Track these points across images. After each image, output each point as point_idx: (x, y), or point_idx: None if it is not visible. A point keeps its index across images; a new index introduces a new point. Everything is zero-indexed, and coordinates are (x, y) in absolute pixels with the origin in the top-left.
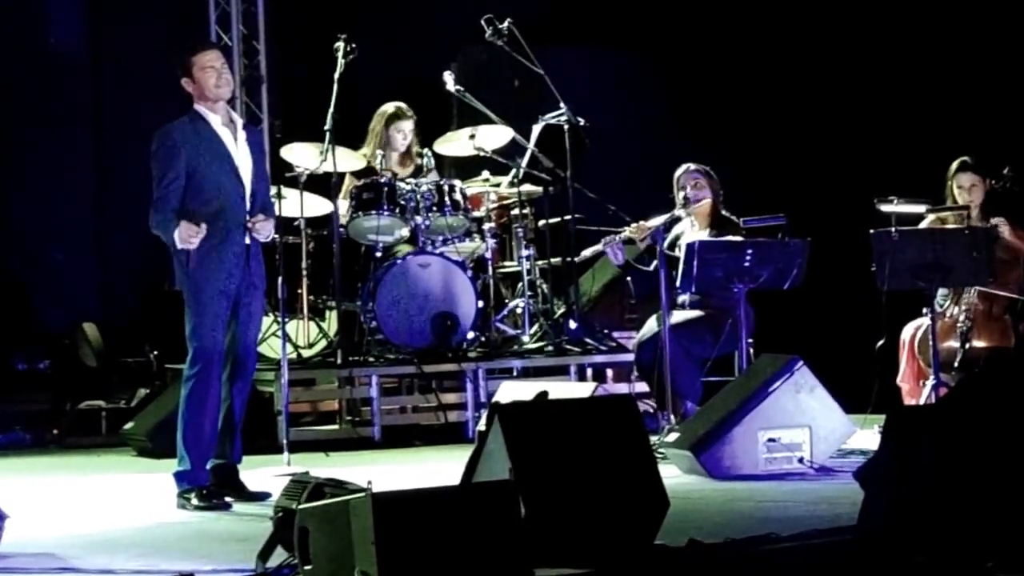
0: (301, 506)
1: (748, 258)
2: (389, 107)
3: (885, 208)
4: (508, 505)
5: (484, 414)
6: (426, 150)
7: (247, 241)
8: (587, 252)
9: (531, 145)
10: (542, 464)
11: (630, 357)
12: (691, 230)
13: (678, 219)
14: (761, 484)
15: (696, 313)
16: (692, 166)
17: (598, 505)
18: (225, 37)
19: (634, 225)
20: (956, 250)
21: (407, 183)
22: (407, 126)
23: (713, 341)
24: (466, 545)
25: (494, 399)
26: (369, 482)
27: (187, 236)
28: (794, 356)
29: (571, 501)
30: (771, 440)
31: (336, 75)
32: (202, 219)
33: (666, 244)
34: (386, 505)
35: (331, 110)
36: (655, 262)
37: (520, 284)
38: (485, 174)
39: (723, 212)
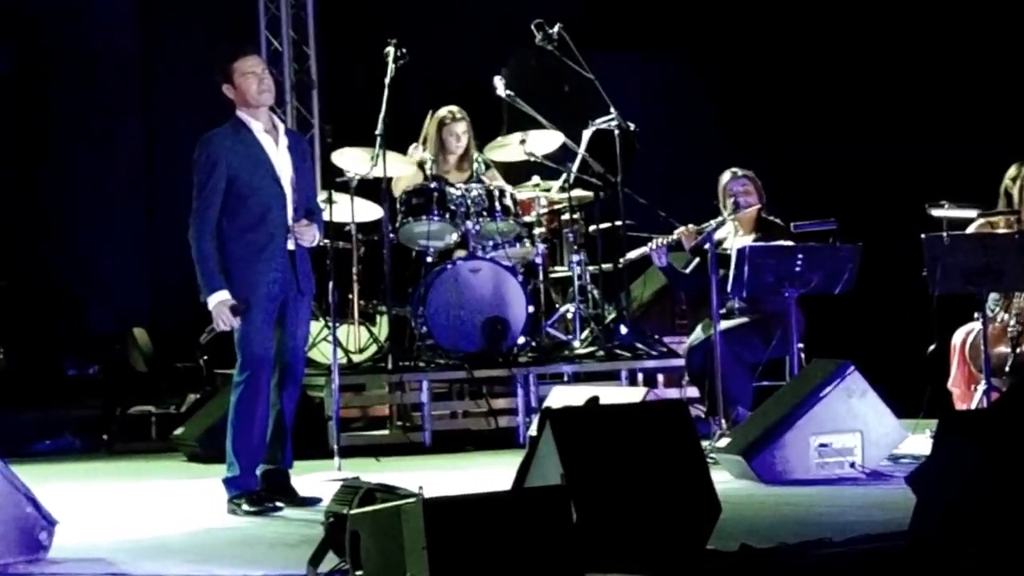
0: (352, 511)
1: (799, 263)
2: (442, 111)
3: (936, 212)
4: (560, 510)
5: (535, 419)
6: (479, 155)
7: (291, 246)
8: (632, 254)
9: (581, 150)
10: (594, 469)
11: (681, 362)
12: (734, 235)
13: (723, 224)
14: (813, 489)
15: (747, 318)
16: (739, 171)
17: (650, 510)
18: (275, 42)
19: (683, 228)
20: (1007, 255)
21: (457, 188)
22: (460, 129)
23: (764, 346)
24: (518, 550)
25: (545, 404)
26: (420, 487)
27: (224, 317)
28: (845, 361)
29: (623, 506)
30: (823, 445)
31: (387, 80)
32: (244, 226)
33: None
34: (438, 510)
35: (382, 115)
36: (692, 263)
37: (571, 289)
38: (535, 179)
39: (767, 216)
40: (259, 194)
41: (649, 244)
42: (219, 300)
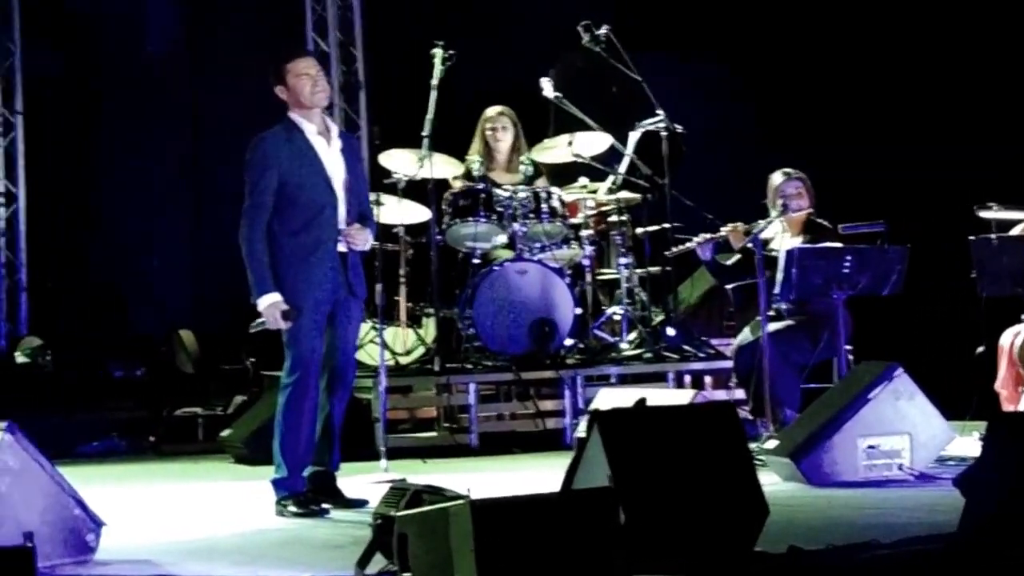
0: (400, 513)
1: (847, 265)
2: (490, 111)
3: (984, 214)
4: (608, 512)
5: (582, 421)
6: (526, 156)
7: (343, 249)
8: (679, 248)
9: (628, 152)
10: (642, 471)
11: (728, 364)
12: (782, 236)
13: (771, 224)
14: (861, 491)
15: (794, 320)
16: (792, 173)
17: (698, 512)
18: (322, 43)
19: (730, 226)
20: None
21: (505, 190)
22: (502, 124)
23: (811, 348)
24: (565, 552)
25: (592, 406)
26: (468, 489)
27: (275, 320)
28: (893, 363)
29: (671, 508)
30: (871, 447)
31: (434, 81)
32: (295, 228)
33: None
34: (485, 512)
35: (429, 116)
36: (735, 257)
37: (618, 291)
38: (583, 181)
39: (816, 219)
40: (311, 196)
41: (695, 239)
42: (270, 303)
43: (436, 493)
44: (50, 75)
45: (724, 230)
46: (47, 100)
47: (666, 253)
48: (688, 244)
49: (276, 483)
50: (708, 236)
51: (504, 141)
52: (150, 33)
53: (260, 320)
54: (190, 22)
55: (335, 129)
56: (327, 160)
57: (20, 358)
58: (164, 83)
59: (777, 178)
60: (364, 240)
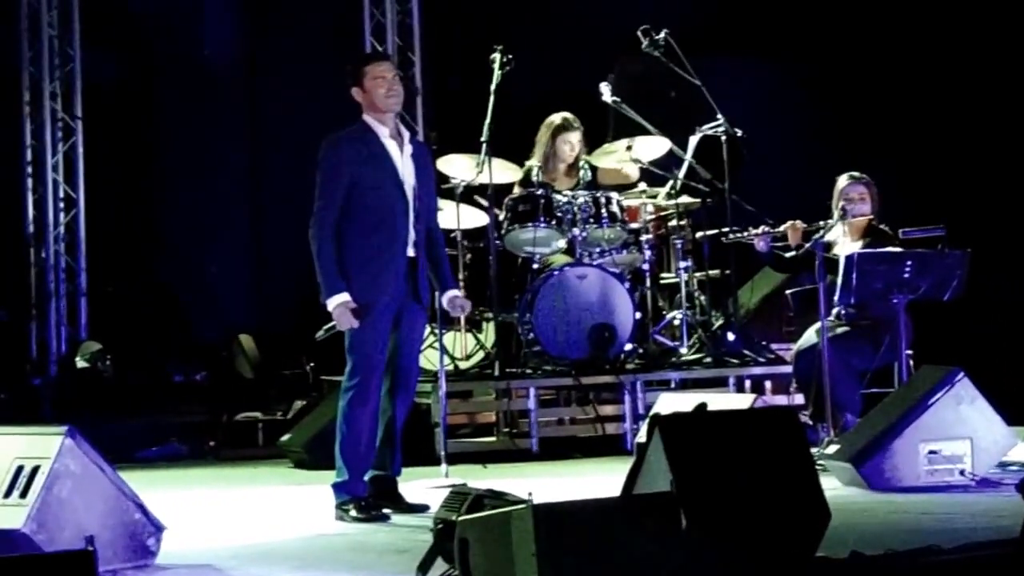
0: (461, 518)
1: (907, 269)
2: (556, 118)
3: None
4: (669, 517)
5: (642, 426)
6: (584, 161)
7: (411, 253)
8: (734, 237)
9: (688, 156)
10: (703, 476)
11: (788, 369)
12: (843, 240)
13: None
14: (922, 496)
15: (855, 324)
16: (858, 176)
17: (759, 517)
18: (380, 48)
19: (790, 223)
20: None
21: (564, 195)
22: (575, 137)
23: (872, 353)
24: (627, 557)
25: (652, 411)
26: (530, 493)
27: (345, 319)
28: (955, 367)
29: (732, 513)
30: (932, 452)
31: (492, 86)
32: (364, 230)
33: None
34: (547, 516)
35: (487, 121)
36: (792, 252)
37: (678, 296)
38: (642, 185)
39: (877, 224)
40: (381, 199)
41: (753, 230)
42: (340, 302)
43: (497, 498)
44: (110, 81)
45: (783, 227)
46: (107, 106)
47: (723, 239)
48: (746, 235)
49: (337, 488)
50: (766, 229)
51: (576, 151)
52: (209, 38)
53: (329, 325)
54: (248, 27)
55: (407, 134)
56: (399, 164)
57: (80, 363)
58: (223, 88)
59: (843, 181)
60: (465, 308)
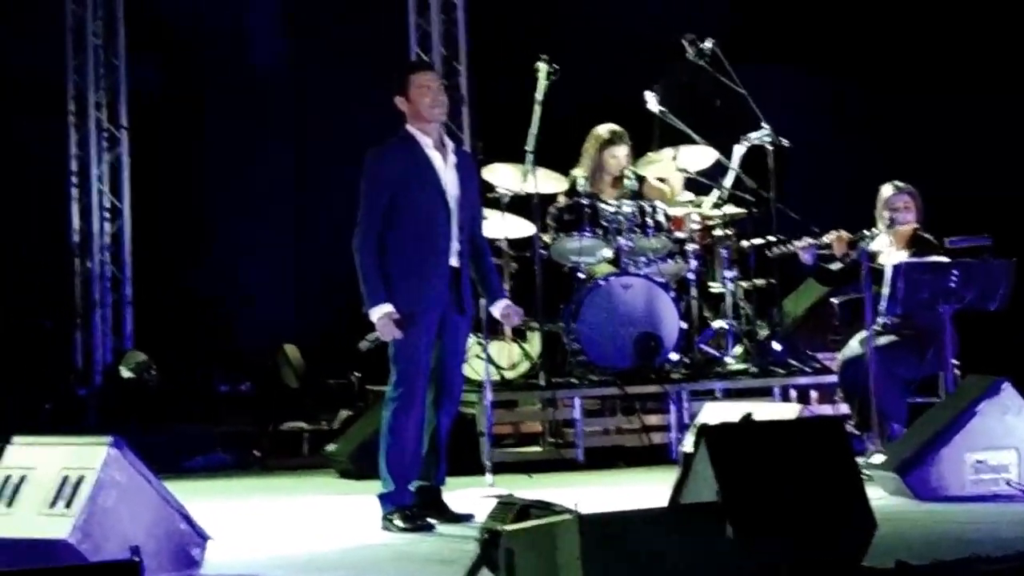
0: (507, 527)
1: (953, 279)
2: (604, 131)
3: None
4: (715, 527)
5: (687, 436)
6: (629, 171)
7: (454, 263)
8: (778, 250)
9: (734, 165)
10: (749, 486)
11: (834, 379)
12: (889, 249)
13: (876, 236)
14: (968, 506)
15: (901, 334)
16: (901, 185)
17: (806, 527)
18: (426, 58)
19: (834, 234)
20: None
21: (609, 204)
22: (622, 151)
23: (918, 362)
24: (674, 567)
25: (698, 421)
26: (576, 504)
27: (388, 330)
28: (1001, 377)
29: (778, 523)
30: (978, 462)
31: (538, 95)
32: (407, 241)
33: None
34: (593, 526)
35: (533, 131)
36: (838, 265)
37: (723, 305)
38: (688, 195)
39: (922, 233)
40: (424, 209)
41: (797, 242)
42: (383, 313)
43: (544, 508)
44: (155, 89)
45: (827, 237)
46: (152, 115)
47: (767, 252)
48: (790, 247)
49: (382, 497)
50: (810, 241)
51: (622, 164)
52: (253, 47)
53: (373, 336)
54: (293, 36)
55: (451, 145)
56: (442, 174)
57: (125, 372)
58: (267, 97)
59: (887, 190)
60: (518, 318)
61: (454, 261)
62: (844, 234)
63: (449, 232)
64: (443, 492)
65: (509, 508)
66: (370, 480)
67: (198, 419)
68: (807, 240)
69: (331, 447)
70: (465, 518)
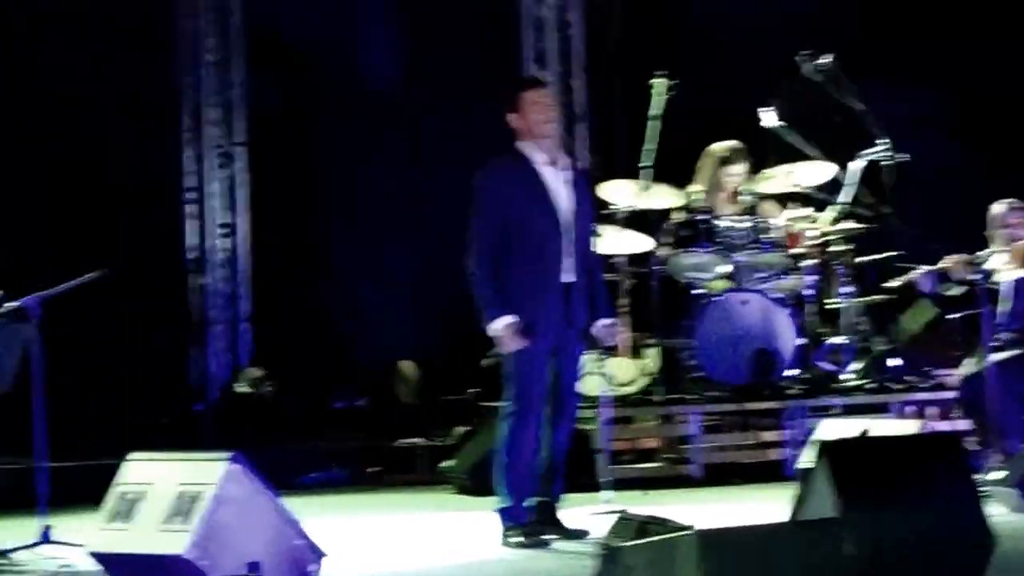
0: (626, 544)
1: None
2: (722, 149)
3: None
4: (835, 543)
5: (805, 452)
6: (747, 186)
7: (567, 279)
8: (898, 281)
9: (852, 181)
10: (868, 502)
11: (952, 395)
12: (1005, 267)
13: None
14: None
15: (1019, 350)
16: (1014, 202)
17: (925, 543)
18: (541, 74)
19: (952, 258)
20: None
21: (726, 220)
22: (739, 169)
23: None
24: None
25: (816, 437)
26: (692, 526)
27: (508, 341)
28: None
29: (898, 540)
30: None
31: (654, 111)
32: (520, 257)
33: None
34: (712, 543)
35: (649, 147)
36: (957, 289)
37: (840, 321)
38: (805, 211)
39: None
40: (536, 226)
41: (915, 271)
42: (502, 325)
43: (662, 524)
44: (270, 106)
45: (945, 262)
46: (268, 131)
47: (884, 285)
48: (908, 276)
49: (499, 513)
50: (928, 268)
51: (737, 180)
52: (368, 65)
53: (494, 351)
54: (407, 50)
55: (564, 161)
56: (554, 191)
57: (241, 388)
58: (382, 114)
59: (999, 208)
60: (614, 335)
61: (568, 277)
62: (963, 257)
63: (562, 249)
64: (559, 508)
65: (628, 524)
66: (486, 496)
67: (313, 435)
68: (925, 268)
69: (447, 463)
70: (581, 534)
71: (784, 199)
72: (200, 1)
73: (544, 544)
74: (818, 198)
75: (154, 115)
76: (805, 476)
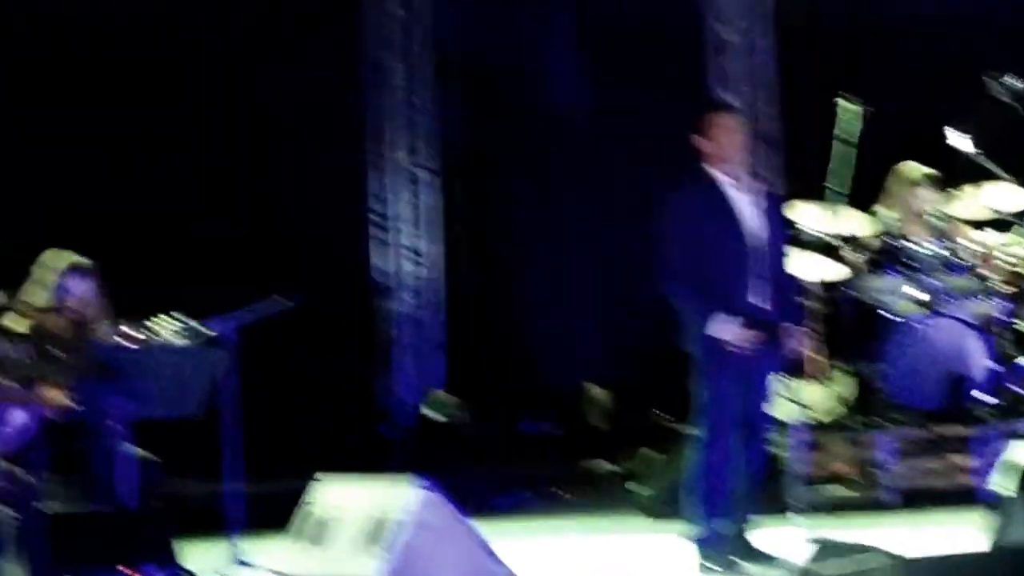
0: (829, 572)
1: None
2: (912, 171)
3: None
4: None
5: (997, 476)
6: (938, 209)
7: (759, 302)
8: None
9: None
10: None
11: None
12: None
13: None
14: None
15: None
16: None
17: None
18: (728, 97)
19: None
20: None
21: (916, 243)
22: (930, 193)
23: None
24: None
25: (1007, 460)
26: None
27: (736, 335)
28: None
29: None
30: None
31: (841, 133)
32: (710, 280)
33: None
34: (916, 571)
35: (837, 168)
36: None
37: None
38: (998, 235)
39: None
40: (726, 249)
41: None
42: (723, 323)
43: (863, 551)
44: (458, 132)
45: None
46: (455, 157)
47: None
48: None
49: (692, 538)
50: None
51: (927, 200)
52: (554, 91)
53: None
54: (594, 79)
55: (754, 184)
56: (744, 214)
57: (429, 413)
58: (569, 139)
59: None
60: (798, 343)
61: (758, 300)
62: None
63: (752, 272)
64: (751, 533)
65: (828, 551)
66: (677, 520)
67: (503, 459)
68: None
69: (637, 487)
70: (772, 559)
71: (975, 222)
72: (388, 27)
73: (736, 568)
74: (1009, 220)
75: (345, 141)
76: (1001, 502)
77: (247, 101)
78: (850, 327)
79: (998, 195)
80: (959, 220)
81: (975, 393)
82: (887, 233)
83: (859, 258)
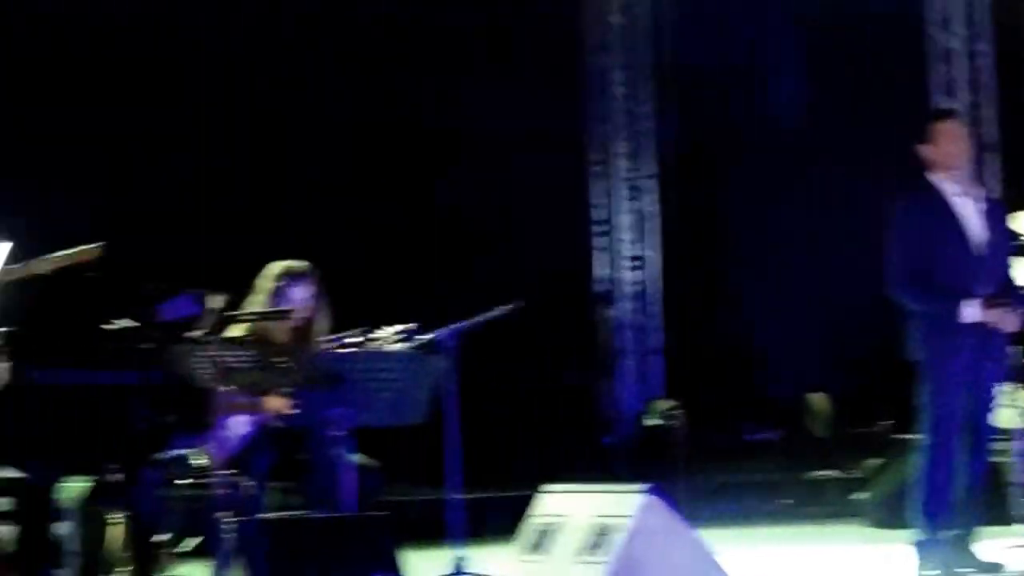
0: None
1: None
2: None
3: None
4: None
5: None
6: None
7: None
8: None
9: None
10: None
11: None
12: None
13: None
14: None
15: None
16: None
17: None
18: (950, 105)
19: None
20: None
21: None
22: None
23: None
24: None
25: None
26: None
27: (1000, 317)
28: None
29: None
30: None
31: None
32: (935, 289)
33: None
34: None
35: None
36: None
37: None
38: None
39: None
40: (950, 257)
41: None
42: (971, 308)
43: None
44: (679, 140)
45: None
46: (676, 165)
47: None
48: None
49: (916, 546)
50: None
51: None
52: (774, 100)
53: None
54: (814, 87)
55: (980, 192)
56: (969, 222)
57: (650, 420)
58: (789, 148)
59: None
60: (1013, 323)
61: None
62: None
63: (977, 280)
64: (975, 541)
65: None
66: (900, 529)
67: (725, 467)
68: None
69: (861, 496)
70: (997, 568)
71: None
72: (608, 36)
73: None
74: None
75: (564, 149)
76: None
77: (472, 111)
78: None
79: None
80: None
81: None
82: None
83: None
